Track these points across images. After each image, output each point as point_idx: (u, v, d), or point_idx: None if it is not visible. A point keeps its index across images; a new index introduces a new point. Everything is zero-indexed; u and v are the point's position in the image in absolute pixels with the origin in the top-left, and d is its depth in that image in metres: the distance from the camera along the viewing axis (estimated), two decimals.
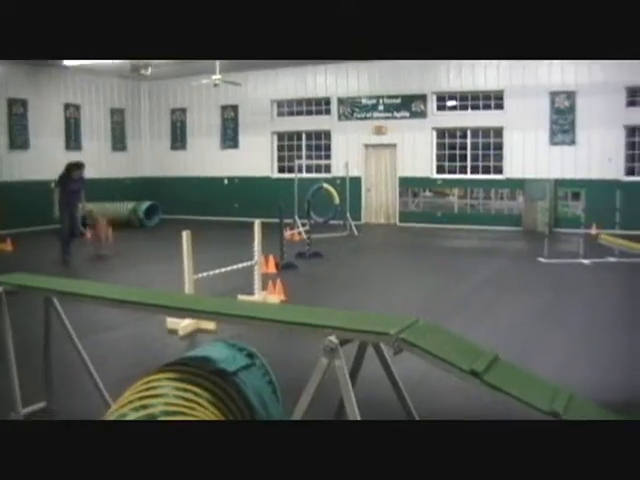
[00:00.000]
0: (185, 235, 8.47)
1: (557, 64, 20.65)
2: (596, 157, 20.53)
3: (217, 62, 19.94)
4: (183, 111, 26.54)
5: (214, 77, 20.68)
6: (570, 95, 20.83)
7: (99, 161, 24.52)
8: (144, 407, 3.53)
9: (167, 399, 3.62)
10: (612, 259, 14.16)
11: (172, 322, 8.46)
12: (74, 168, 15.19)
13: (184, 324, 8.39)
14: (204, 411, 3.64)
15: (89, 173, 23.42)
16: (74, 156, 23.26)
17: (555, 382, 4.00)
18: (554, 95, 21.04)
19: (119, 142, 26.04)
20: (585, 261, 14.17)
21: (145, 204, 22.80)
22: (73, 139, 23.75)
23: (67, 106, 23.51)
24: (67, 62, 20.30)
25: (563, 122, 21.06)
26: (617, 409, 4.02)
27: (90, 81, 24.18)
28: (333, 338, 3.62)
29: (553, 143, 21.18)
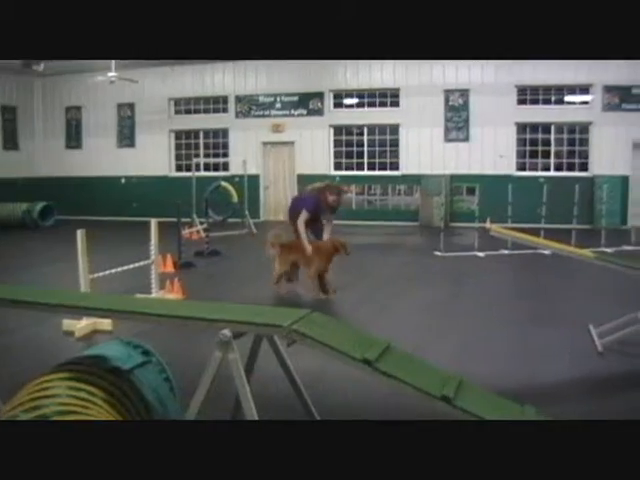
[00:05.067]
0: (79, 234, 8.30)
1: (451, 63, 21.13)
2: (489, 153, 21.17)
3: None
4: (78, 109, 25.91)
5: (110, 74, 20.35)
6: (464, 93, 21.39)
7: None
8: (36, 408, 3.46)
9: (60, 399, 3.55)
10: (505, 251, 14.58)
11: (68, 324, 8.27)
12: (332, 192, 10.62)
13: (80, 325, 8.21)
14: (99, 410, 3.58)
15: None
16: None
17: (449, 369, 4.10)
18: (448, 93, 21.55)
19: (11, 141, 25.20)
20: (480, 254, 14.56)
21: (39, 205, 22.17)
22: None
23: None
24: None
25: (457, 119, 21.59)
26: (508, 396, 4.14)
27: None
28: (226, 331, 3.63)
29: (448, 140, 21.71)
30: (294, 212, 10.59)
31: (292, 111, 23.23)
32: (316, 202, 10.41)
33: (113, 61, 19.82)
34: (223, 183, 19.07)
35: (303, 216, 10.33)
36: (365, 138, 22.88)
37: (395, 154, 22.55)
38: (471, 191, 20.87)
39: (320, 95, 22.87)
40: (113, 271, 9.38)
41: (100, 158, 25.40)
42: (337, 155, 23.22)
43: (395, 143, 22.50)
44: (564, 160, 21.16)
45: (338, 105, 23.04)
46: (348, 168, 23.10)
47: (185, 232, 15.96)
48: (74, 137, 26.15)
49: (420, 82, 21.73)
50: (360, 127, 22.90)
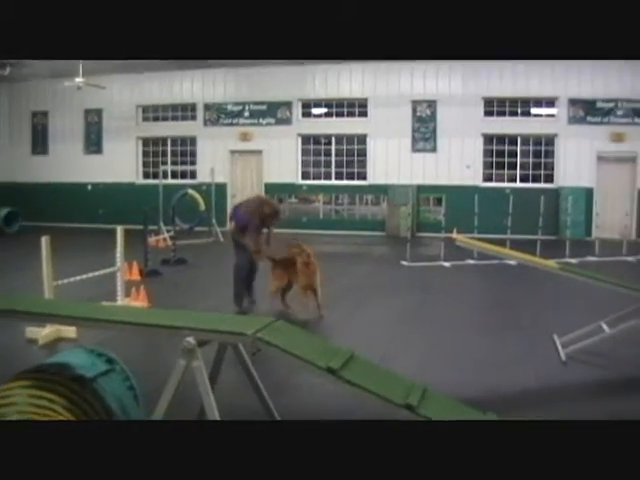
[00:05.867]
0: (44, 240, 8.23)
1: (419, 74, 21.30)
2: (456, 164, 21.32)
3: (80, 64, 19.48)
4: (45, 114, 25.65)
5: (77, 80, 20.17)
6: (431, 104, 21.55)
7: None
8: None
9: (20, 407, 3.53)
10: (471, 261, 14.67)
11: (31, 331, 8.18)
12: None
13: (44, 333, 8.12)
14: (59, 418, 3.57)
15: None
16: None
17: (413, 378, 4.11)
18: (416, 104, 21.68)
19: None
20: (446, 264, 14.63)
21: (4, 210, 21.95)
22: None
23: None
24: None
25: (425, 130, 21.72)
26: (472, 404, 4.17)
27: None
28: (190, 339, 3.62)
29: (415, 150, 21.83)
30: (234, 221, 10.43)
31: (260, 120, 23.23)
32: (258, 223, 10.20)
33: (80, 66, 19.65)
34: (190, 191, 18.99)
35: (252, 237, 10.13)
36: (333, 148, 22.95)
37: (362, 164, 22.63)
38: (438, 201, 21.07)
39: (288, 104, 22.90)
40: (78, 278, 9.31)
41: (67, 164, 25.14)
42: (305, 164, 23.26)
43: (363, 153, 22.59)
44: (530, 172, 21.38)
45: (306, 114, 23.09)
46: (316, 177, 23.14)
47: (151, 240, 15.88)
48: (40, 143, 25.86)
49: (388, 93, 21.85)
50: (328, 137, 22.97)
